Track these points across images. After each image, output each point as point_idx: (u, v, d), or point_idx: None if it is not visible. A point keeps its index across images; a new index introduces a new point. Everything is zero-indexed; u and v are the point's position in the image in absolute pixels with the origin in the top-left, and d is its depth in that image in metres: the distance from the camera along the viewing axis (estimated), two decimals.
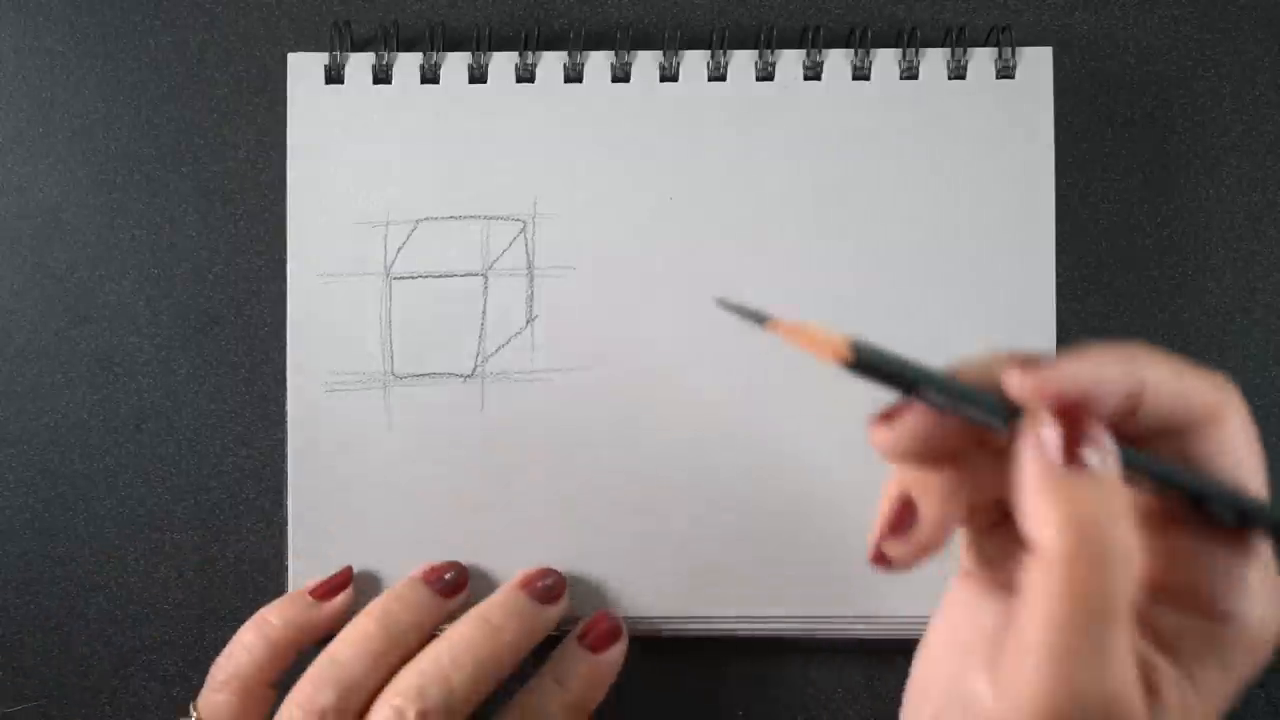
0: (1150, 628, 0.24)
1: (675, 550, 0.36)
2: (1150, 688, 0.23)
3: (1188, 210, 0.38)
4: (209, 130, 0.38)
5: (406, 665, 0.32)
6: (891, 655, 0.37)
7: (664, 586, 0.36)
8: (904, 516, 0.25)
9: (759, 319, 0.24)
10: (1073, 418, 0.22)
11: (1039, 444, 0.22)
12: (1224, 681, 0.24)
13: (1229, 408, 0.24)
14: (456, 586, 0.35)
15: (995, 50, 0.36)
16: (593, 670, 0.34)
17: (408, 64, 0.36)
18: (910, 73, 0.36)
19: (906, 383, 0.23)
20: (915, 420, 0.23)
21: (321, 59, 0.36)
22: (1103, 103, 0.38)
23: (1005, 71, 0.36)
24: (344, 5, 0.38)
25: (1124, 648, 0.21)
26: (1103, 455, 0.22)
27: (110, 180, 0.37)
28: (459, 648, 0.32)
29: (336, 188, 0.36)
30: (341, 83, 0.36)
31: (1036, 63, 0.36)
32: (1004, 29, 0.36)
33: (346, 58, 0.36)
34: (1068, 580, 0.21)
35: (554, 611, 0.35)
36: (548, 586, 0.35)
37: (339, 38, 0.36)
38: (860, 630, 0.36)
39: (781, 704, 0.38)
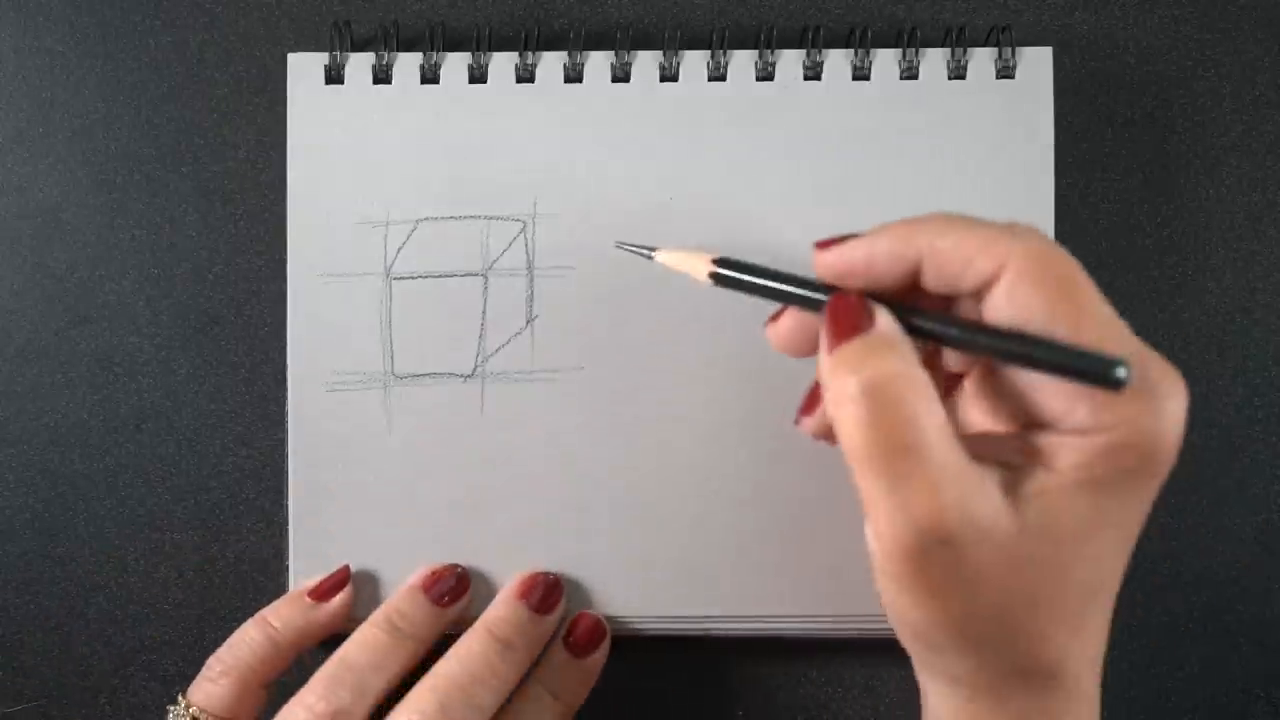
0: (1022, 445, 0.26)
1: (675, 550, 0.36)
2: (1015, 495, 0.25)
3: (1188, 210, 0.38)
4: (209, 130, 0.38)
5: (420, 682, 0.32)
6: (891, 655, 0.37)
7: (664, 586, 0.36)
8: (814, 398, 0.28)
9: (648, 253, 0.31)
10: (846, 303, 0.26)
11: (825, 320, 0.26)
12: (1109, 481, 0.25)
13: (1007, 266, 0.25)
14: (457, 594, 0.35)
15: (995, 50, 0.36)
16: (583, 677, 0.35)
17: (408, 64, 0.36)
18: (910, 73, 0.36)
19: (767, 289, 0.28)
20: (787, 318, 0.29)
21: (321, 59, 0.36)
22: (1103, 103, 0.38)
23: (1005, 71, 0.36)
24: (344, 5, 0.38)
25: (941, 469, 0.24)
26: (875, 324, 0.26)
27: (110, 180, 0.37)
28: (477, 665, 0.32)
29: (336, 188, 0.36)
30: (341, 83, 0.36)
31: (1036, 63, 0.36)
32: (1004, 29, 0.36)
33: (346, 58, 0.36)
34: (857, 425, 0.24)
35: (554, 619, 0.35)
36: (548, 596, 0.35)
37: (339, 38, 0.36)
38: (860, 630, 0.36)
39: (781, 704, 0.38)
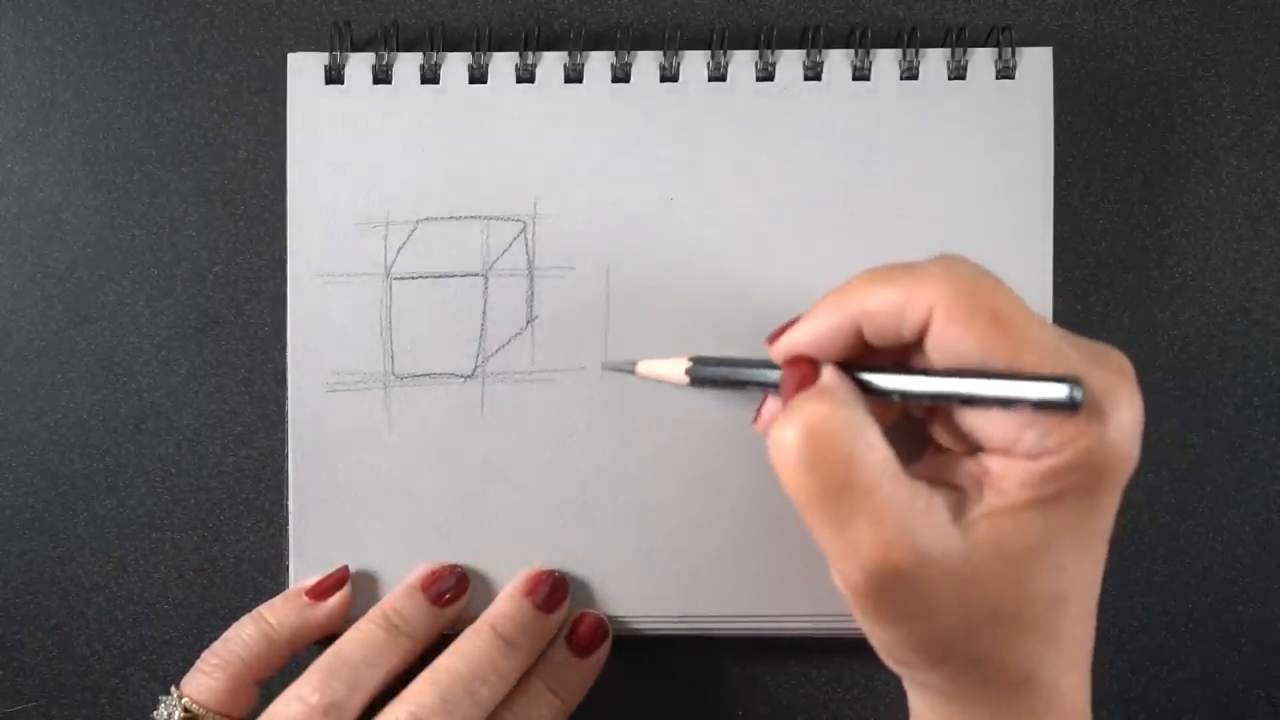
0: (974, 467, 0.26)
1: (675, 550, 0.36)
2: (963, 519, 0.25)
3: (1188, 210, 0.38)
4: (209, 130, 0.38)
5: (421, 675, 0.32)
6: None
7: (664, 586, 0.36)
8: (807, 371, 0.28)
9: (629, 369, 0.35)
10: (795, 365, 0.27)
11: (782, 383, 0.27)
12: (1070, 500, 0.25)
13: (935, 310, 0.25)
14: (456, 595, 0.35)
15: (995, 50, 0.36)
16: (583, 676, 0.35)
17: (408, 64, 0.36)
18: (910, 73, 0.36)
19: (737, 378, 0.31)
20: (768, 409, 0.31)
21: (321, 59, 0.36)
22: (1103, 103, 0.38)
23: (1005, 72, 0.36)
24: (344, 5, 0.38)
25: (882, 507, 0.24)
26: (824, 374, 0.27)
27: (110, 180, 0.37)
28: (480, 661, 0.32)
29: (336, 188, 0.36)
30: (341, 83, 0.36)
31: (1036, 63, 0.36)
32: (1004, 29, 0.36)
33: (346, 58, 0.36)
34: (796, 470, 0.25)
35: (559, 617, 0.35)
36: (553, 594, 0.35)
37: (339, 38, 0.36)
38: (859, 630, 0.36)
39: (781, 704, 0.38)
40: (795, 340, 0.28)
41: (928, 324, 0.25)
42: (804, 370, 0.27)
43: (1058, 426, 0.24)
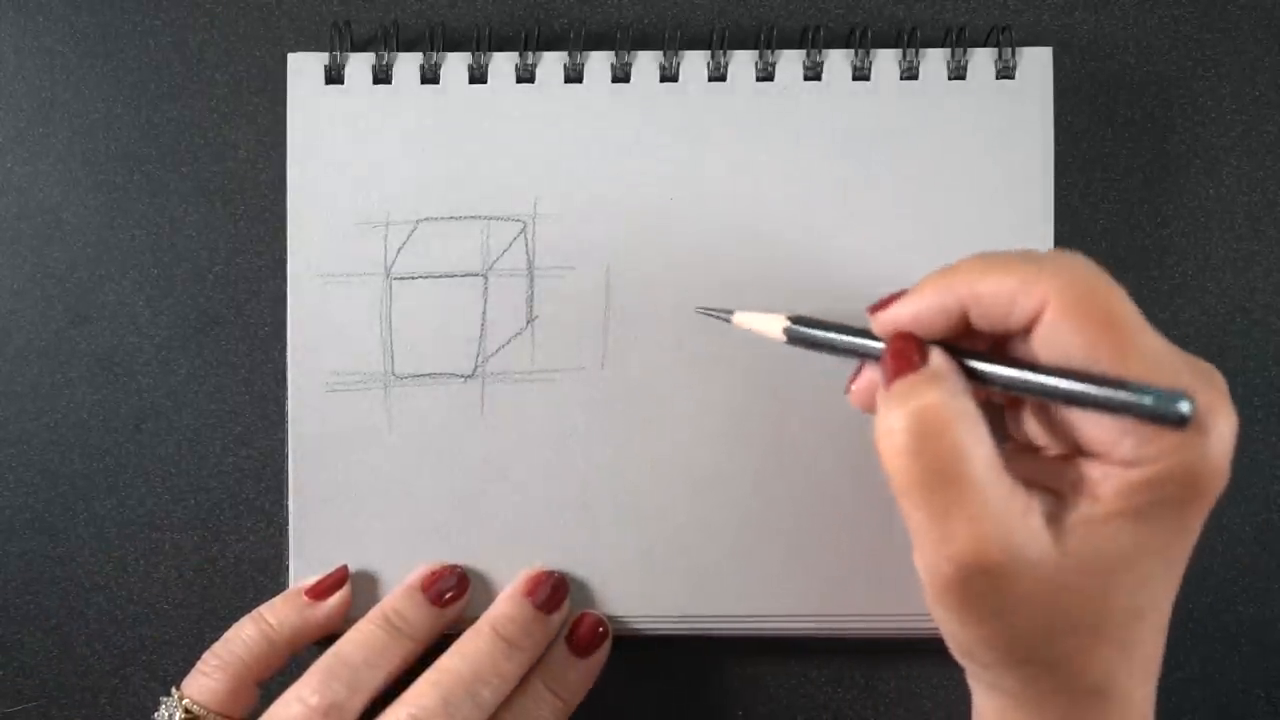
0: (1070, 471, 0.26)
1: (675, 550, 0.36)
2: (1058, 525, 0.25)
3: (1188, 210, 0.38)
4: (209, 130, 0.38)
5: (422, 676, 0.32)
6: (891, 655, 0.37)
7: (664, 586, 0.36)
8: (910, 349, 0.28)
9: (726, 316, 0.33)
10: (902, 344, 0.27)
11: (885, 356, 0.27)
12: (1167, 517, 0.25)
13: (1048, 304, 0.25)
14: (456, 595, 0.35)
15: (995, 50, 0.36)
16: (584, 676, 0.35)
17: (408, 64, 0.36)
18: (910, 73, 0.36)
19: (836, 343, 0.29)
20: (864, 378, 0.29)
21: (321, 59, 0.36)
22: (1103, 103, 0.38)
23: (1005, 72, 0.36)
24: (344, 5, 0.38)
25: (983, 501, 0.24)
26: (928, 361, 0.26)
27: (110, 180, 0.37)
28: (482, 663, 0.32)
29: (336, 188, 0.36)
30: (341, 83, 0.36)
31: (1036, 63, 0.36)
32: (1004, 29, 0.36)
33: (346, 58, 0.36)
34: (901, 455, 0.25)
35: (559, 618, 0.35)
36: (554, 594, 0.35)
37: (339, 38, 0.36)
38: (860, 630, 0.36)
39: (781, 704, 0.38)
40: (900, 315, 0.27)
41: (1038, 317, 0.25)
42: (911, 350, 0.27)
43: (1156, 436, 0.24)
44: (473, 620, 0.34)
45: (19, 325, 0.37)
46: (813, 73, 0.36)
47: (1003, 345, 0.27)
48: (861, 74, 0.36)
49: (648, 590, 0.36)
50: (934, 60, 0.36)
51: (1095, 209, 0.38)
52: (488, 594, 0.36)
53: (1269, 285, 0.38)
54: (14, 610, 0.38)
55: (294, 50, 0.36)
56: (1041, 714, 0.27)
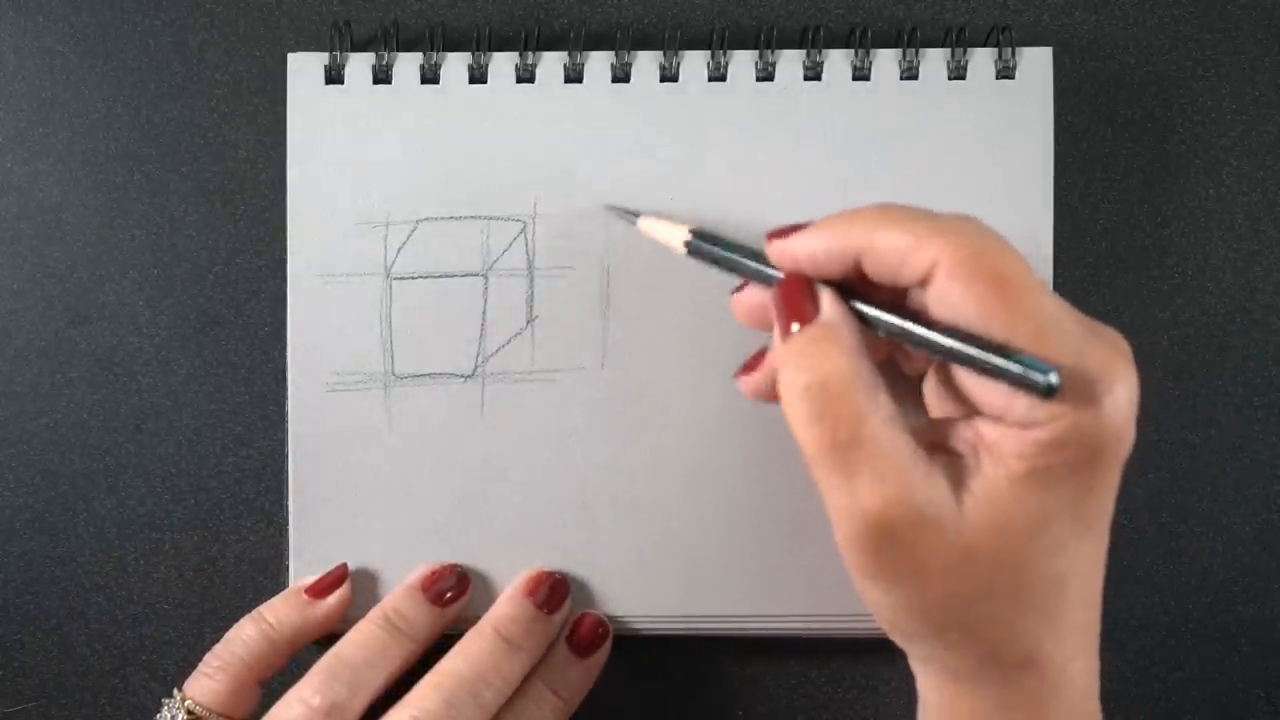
0: (972, 434, 0.26)
1: (675, 550, 0.36)
2: (963, 487, 0.25)
3: (1188, 210, 0.38)
4: (209, 130, 0.38)
5: (424, 679, 0.32)
6: (891, 655, 0.37)
7: (663, 586, 0.36)
8: (755, 361, 0.30)
9: (633, 218, 0.34)
10: (794, 289, 0.27)
11: (774, 303, 0.27)
12: (1068, 470, 0.25)
13: (939, 263, 0.25)
14: (456, 595, 0.35)
15: (995, 50, 0.36)
16: (584, 675, 0.35)
17: (408, 64, 0.36)
18: (910, 73, 0.36)
19: (733, 262, 0.30)
20: (749, 293, 0.30)
21: (321, 59, 0.36)
22: (1103, 103, 0.38)
23: (1005, 72, 0.36)
24: (344, 5, 0.38)
25: (886, 462, 0.25)
26: (820, 311, 0.27)
27: (110, 180, 0.37)
28: (483, 664, 0.32)
29: (336, 188, 0.36)
30: (341, 83, 0.36)
31: (1036, 63, 0.36)
32: (1004, 29, 0.36)
33: (346, 58, 0.36)
34: (807, 422, 0.25)
35: (560, 618, 0.35)
36: (554, 594, 0.35)
37: (339, 38, 0.36)
38: (859, 630, 0.36)
39: (781, 704, 0.38)
40: (797, 250, 0.27)
41: (929, 276, 0.25)
42: (802, 296, 0.27)
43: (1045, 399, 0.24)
44: (473, 620, 0.34)
45: (19, 325, 0.37)
46: (813, 73, 0.36)
47: (899, 300, 0.27)
48: (861, 74, 0.36)
49: (647, 590, 0.36)
50: (934, 60, 0.36)
51: (1095, 209, 0.38)
52: (488, 594, 0.36)
53: (1269, 285, 0.38)
54: (14, 610, 0.38)
55: (294, 50, 0.36)
56: (976, 687, 0.27)
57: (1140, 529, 0.38)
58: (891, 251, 0.26)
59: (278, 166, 0.36)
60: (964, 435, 0.27)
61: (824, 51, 0.36)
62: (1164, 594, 0.38)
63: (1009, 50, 0.36)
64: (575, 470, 0.36)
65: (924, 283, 0.26)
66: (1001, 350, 0.24)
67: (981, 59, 0.36)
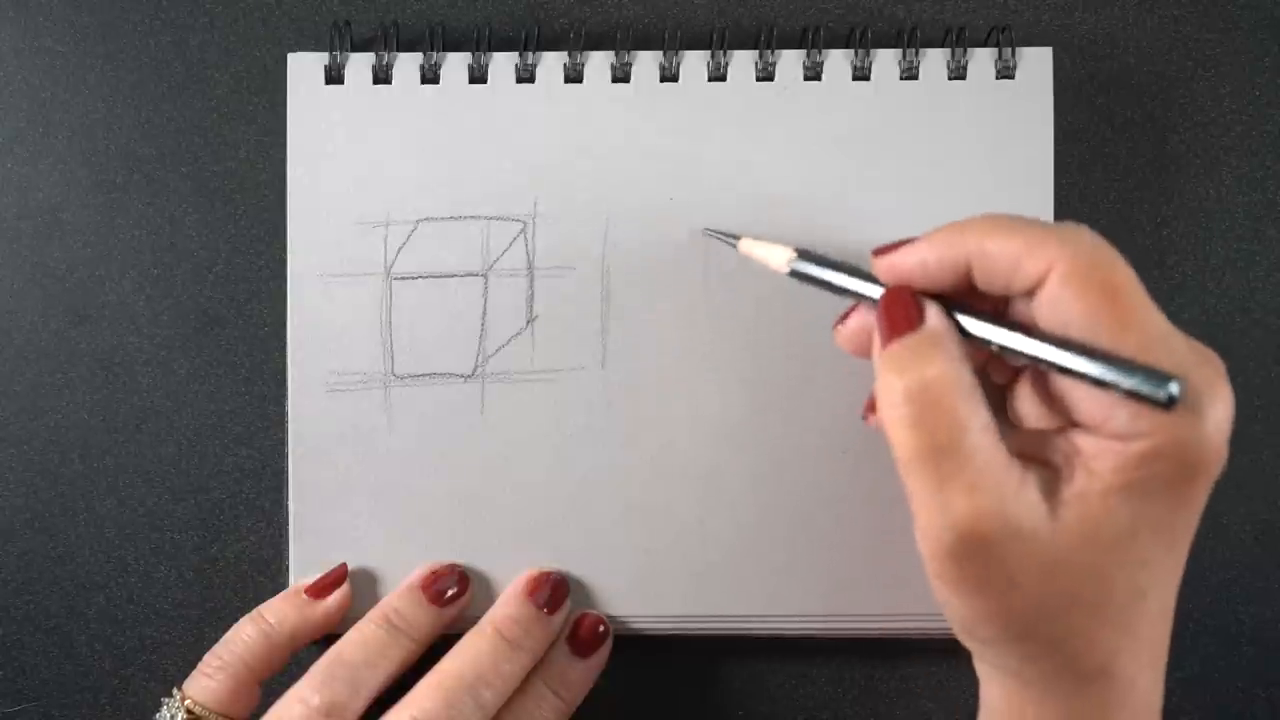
0: (1066, 445, 0.26)
1: (675, 550, 0.36)
2: (1054, 498, 0.25)
3: (1188, 210, 0.38)
4: (209, 130, 0.38)
5: (424, 679, 0.32)
6: (891, 655, 0.37)
7: (664, 586, 0.36)
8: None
9: (732, 240, 0.33)
10: (898, 298, 0.27)
11: (878, 314, 0.27)
12: (1163, 487, 0.25)
13: (1052, 270, 0.25)
14: (456, 594, 0.35)
15: (995, 50, 0.36)
16: (584, 676, 0.35)
17: (408, 64, 0.36)
18: (910, 73, 0.36)
19: (837, 285, 0.29)
20: (855, 319, 0.29)
21: (321, 59, 0.36)
22: (1103, 103, 0.38)
23: (1005, 72, 0.36)
24: (344, 5, 0.38)
25: (980, 472, 0.24)
26: (924, 321, 0.26)
27: (110, 180, 0.37)
28: (484, 664, 0.32)
29: (336, 188, 0.36)
30: (341, 83, 0.36)
31: (1036, 63, 0.36)
32: (1004, 29, 0.36)
33: (346, 58, 0.36)
34: (902, 427, 0.25)
35: (560, 618, 0.35)
36: (555, 594, 0.35)
37: (339, 38, 0.36)
38: (860, 630, 0.36)
39: (781, 704, 0.38)
40: (906, 262, 0.27)
41: (1041, 282, 0.25)
42: (909, 306, 0.27)
43: (1149, 411, 0.24)
44: (473, 620, 0.34)
45: (19, 325, 0.37)
46: (813, 73, 0.36)
47: (1004, 310, 0.27)
48: (861, 74, 0.36)
49: (648, 590, 0.36)
50: (934, 60, 0.36)
51: (1095, 209, 0.38)
52: (488, 594, 0.36)
53: (1269, 285, 0.38)
54: (14, 610, 0.38)
55: (294, 50, 0.36)
56: (1046, 696, 0.27)
57: None
58: (1004, 257, 0.26)
59: (278, 166, 0.36)
60: (1057, 446, 0.26)
61: (824, 51, 0.36)
62: None
63: (1009, 50, 0.36)
64: (575, 470, 0.36)
65: (1033, 291, 0.25)
66: (1117, 361, 0.24)
67: (981, 59, 0.36)
